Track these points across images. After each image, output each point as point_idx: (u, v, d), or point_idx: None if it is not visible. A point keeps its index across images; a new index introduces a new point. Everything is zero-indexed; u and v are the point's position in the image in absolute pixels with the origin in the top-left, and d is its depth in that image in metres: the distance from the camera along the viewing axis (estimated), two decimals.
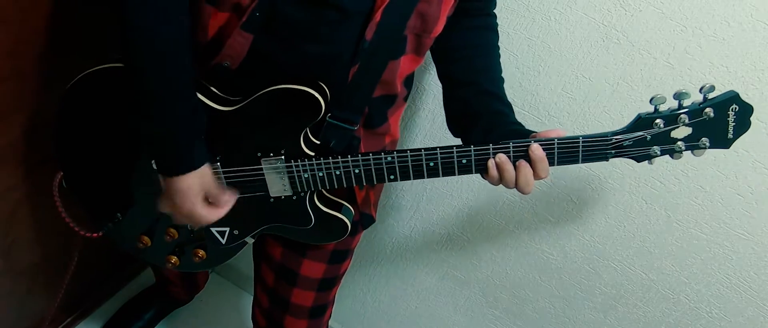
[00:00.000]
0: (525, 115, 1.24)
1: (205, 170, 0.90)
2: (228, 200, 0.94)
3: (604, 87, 1.16)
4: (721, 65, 1.05)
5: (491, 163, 0.88)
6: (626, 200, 1.25)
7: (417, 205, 1.50)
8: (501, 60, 1.05)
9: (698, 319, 1.31)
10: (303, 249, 1.11)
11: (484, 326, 1.58)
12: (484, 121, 0.96)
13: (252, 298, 1.26)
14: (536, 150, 0.86)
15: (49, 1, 1.02)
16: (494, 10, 1.07)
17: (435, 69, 1.07)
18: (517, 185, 0.88)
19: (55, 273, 1.43)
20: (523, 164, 0.87)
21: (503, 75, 1.04)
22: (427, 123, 1.37)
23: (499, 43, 1.06)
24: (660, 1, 1.04)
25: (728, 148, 0.86)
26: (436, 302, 1.63)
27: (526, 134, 0.90)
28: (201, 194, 0.91)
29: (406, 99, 1.08)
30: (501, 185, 0.90)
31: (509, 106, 1.00)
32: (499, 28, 1.07)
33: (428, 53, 1.02)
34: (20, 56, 1.03)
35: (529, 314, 1.50)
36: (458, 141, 0.99)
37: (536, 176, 0.88)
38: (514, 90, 1.22)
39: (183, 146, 0.87)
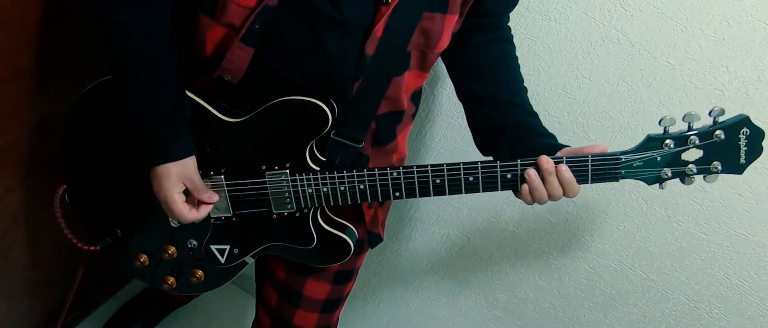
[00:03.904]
0: None
1: (186, 161, 0.89)
2: (209, 197, 0.92)
3: (604, 87, 1.16)
4: (721, 65, 1.05)
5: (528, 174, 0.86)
6: (626, 200, 1.25)
7: (417, 205, 1.50)
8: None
9: (698, 319, 1.31)
10: (307, 270, 1.09)
11: (484, 326, 1.58)
12: (509, 135, 0.94)
13: (252, 298, 1.26)
14: (545, 163, 0.85)
15: (50, 1, 1.02)
16: (508, 24, 1.05)
17: (444, 87, 1.06)
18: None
19: (56, 274, 1.43)
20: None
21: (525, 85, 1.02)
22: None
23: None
24: (660, 1, 1.04)
25: (741, 173, 0.85)
26: (436, 302, 1.62)
27: (556, 148, 0.88)
28: (179, 182, 0.90)
29: (413, 116, 1.07)
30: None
31: (534, 114, 0.98)
32: None
33: (444, 73, 1.01)
34: (20, 56, 1.03)
35: (529, 314, 1.50)
36: (466, 158, 0.97)
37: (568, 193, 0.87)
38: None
39: (161, 136, 0.87)
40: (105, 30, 0.84)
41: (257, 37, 0.86)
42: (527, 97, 1.00)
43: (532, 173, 0.85)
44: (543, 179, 0.85)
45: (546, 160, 0.84)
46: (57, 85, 1.10)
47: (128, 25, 0.83)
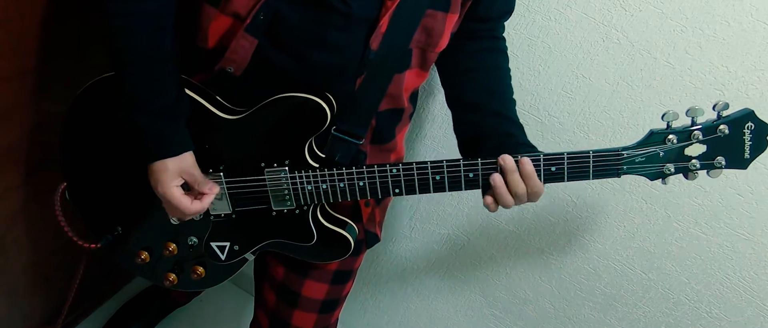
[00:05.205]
0: (525, 115, 1.24)
1: (184, 156, 0.89)
2: (210, 188, 0.91)
3: (604, 87, 1.16)
4: (721, 65, 1.05)
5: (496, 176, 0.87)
6: (626, 200, 1.25)
7: (417, 205, 1.50)
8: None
9: (698, 319, 1.31)
10: (305, 270, 1.09)
11: (484, 326, 1.58)
12: (492, 142, 0.95)
13: (252, 297, 1.26)
14: (527, 163, 0.86)
15: (50, 1, 1.02)
16: (503, 34, 1.06)
17: (440, 91, 1.06)
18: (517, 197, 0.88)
19: (56, 273, 1.43)
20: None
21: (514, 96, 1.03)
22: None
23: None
24: (660, 1, 1.04)
25: (745, 168, 0.84)
26: (436, 302, 1.62)
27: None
28: (177, 176, 0.89)
29: (411, 117, 1.08)
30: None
31: (520, 127, 0.99)
32: None
33: (436, 78, 1.01)
34: (21, 56, 1.03)
35: (529, 314, 1.50)
36: None
37: (530, 190, 0.87)
38: (514, 90, 1.22)
39: (158, 131, 0.87)
40: (106, 23, 0.84)
41: (261, 28, 0.85)
42: (515, 110, 1.01)
43: (496, 176, 0.86)
44: (505, 180, 0.86)
45: (508, 158, 0.86)
46: (57, 85, 1.11)
47: (128, 17, 0.83)
